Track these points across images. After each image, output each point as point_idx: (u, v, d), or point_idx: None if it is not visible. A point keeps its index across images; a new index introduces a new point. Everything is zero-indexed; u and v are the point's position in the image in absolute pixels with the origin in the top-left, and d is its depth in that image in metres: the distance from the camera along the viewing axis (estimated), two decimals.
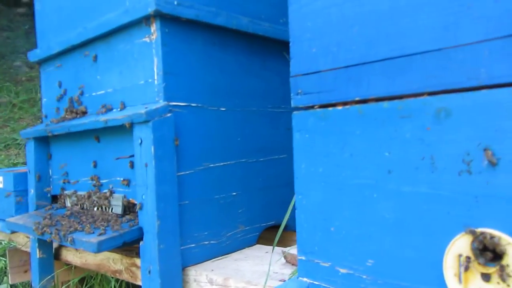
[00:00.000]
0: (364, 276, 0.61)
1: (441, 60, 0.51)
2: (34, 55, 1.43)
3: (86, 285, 1.68)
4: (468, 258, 0.48)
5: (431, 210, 0.53)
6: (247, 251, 1.15)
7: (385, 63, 0.58)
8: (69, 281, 1.51)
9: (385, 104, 0.58)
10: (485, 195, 0.48)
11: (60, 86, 1.34)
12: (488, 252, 0.47)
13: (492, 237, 0.46)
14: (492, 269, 0.46)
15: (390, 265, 0.58)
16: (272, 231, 1.41)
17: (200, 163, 1.07)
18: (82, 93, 1.25)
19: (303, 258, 0.71)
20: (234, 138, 1.16)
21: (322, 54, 0.66)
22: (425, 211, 0.53)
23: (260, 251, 1.15)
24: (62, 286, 1.57)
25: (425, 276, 0.54)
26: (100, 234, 0.97)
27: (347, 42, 0.63)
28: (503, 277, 0.45)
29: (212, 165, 1.10)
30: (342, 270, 0.64)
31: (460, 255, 0.49)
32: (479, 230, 0.47)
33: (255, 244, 1.22)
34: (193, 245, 1.05)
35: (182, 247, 1.01)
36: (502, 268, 0.46)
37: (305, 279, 0.71)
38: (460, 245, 0.49)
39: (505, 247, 0.46)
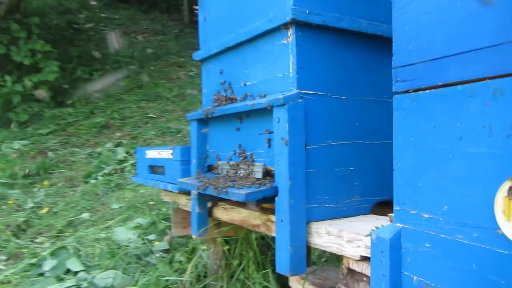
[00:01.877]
0: (441, 219, 0.81)
1: (498, 53, 0.69)
2: (197, 55, 1.83)
3: (229, 244, 2.07)
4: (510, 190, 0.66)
5: (488, 165, 0.71)
6: (360, 217, 1.38)
7: (459, 56, 0.77)
8: (217, 237, 1.90)
9: (459, 87, 0.77)
10: None
11: (216, 79, 1.71)
12: None
13: None
14: None
15: (458, 209, 0.77)
16: (384, 207, 1.60)
17: (323, 140, 1.33)
18: (233, 84, 1.60)
19: (398, 208, 0.92)
20: (353, 122, 1.39)
21: (416, 50, 0.87)
22: (484, 166, 0.72)
23: (372, 218, 1.36)
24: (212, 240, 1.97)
25: (483, 215, 0.72)
26: (242, 189, 1.29)
27: (434, 40, 0.83)
28: None
29: (333, 143, 1.35)
30: (425, 215, 0.85)
31: (505, 197, 0.67)
32: None
33: (368, 214, 1.43)
34: (315, 205, 1.31)
35: (307, 205, 1.28)
36: None
37: (398, 224, 0.92)
38: (506, 189, 0.67)
39: None
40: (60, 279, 2.39)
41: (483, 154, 0.72)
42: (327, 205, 1.33)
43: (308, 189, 1.29)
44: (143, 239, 2.83)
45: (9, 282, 2.46)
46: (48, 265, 2.55)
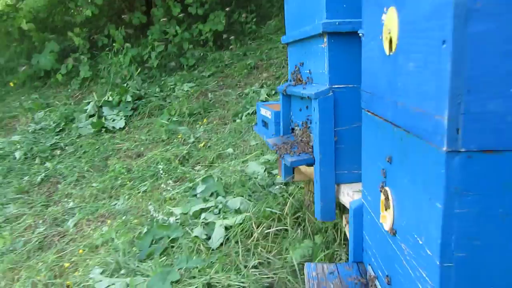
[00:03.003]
0: (372, 202, 1.21)
1: (379, 100, 1.04)
2: (283, 39, 2.27)
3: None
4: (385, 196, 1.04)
5: (380, 174, 1.09)
6: None
7: (372, 95, 1.11)
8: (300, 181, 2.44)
9: (376, 118, 1.12)
10: (392, 176, 1.02)
11: (293, 61, 2.14)
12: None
13: (385, 191, 1.02)
14: (385, 203, 1.02)
15: (375, 197, 1.16)
16: None
17: (353, 122, 1.70)
18: (301, 67, 2.02)
19: (362, 188, 1.33)
20: None
21: (366, 82, 1.22)
22: (379, 174, 1.09)
23: None
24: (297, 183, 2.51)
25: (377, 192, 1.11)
26: (293, 157, 1.78)
27: (368, 79, 1.17)
28: (386, 207, 1.02)
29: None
30: (369, 198, 1.25)
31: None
32: (384, 188, 1.03)
33: None
34: (345, 172, 1.73)
35: (336, 172, 1.71)
36: (387, 203, 1.01)
37: (362, 199, 1.33)
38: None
39: (389, 194, 1.01)
40: (205, 200, 3.26)
41: (379, 166, 1.09)
42: (356, 172, 1.74)
43: (337, 160, 1.71)
44: (268, 172, 3.52)
45: (174, 199, 3.45)
46: (199, 189, 3.45)
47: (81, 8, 6.77)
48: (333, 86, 1.66)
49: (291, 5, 2.15)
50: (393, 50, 0.92)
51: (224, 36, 6.88)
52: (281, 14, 7.52)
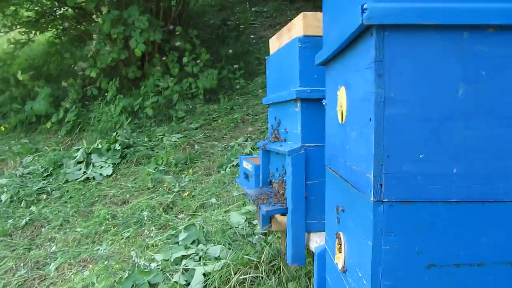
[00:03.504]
0: (330, 243, 1.40)
1: (337, 161, 1.26)
2: (264, 100, 2.53)
3: None
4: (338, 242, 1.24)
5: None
6: None
7: (332, 154, 1.34)
8: (277, 231, 2.61)
9: (331, 171, 1.34)
10: (344, 222, 1.22)
11: (272, 120, 2.39)
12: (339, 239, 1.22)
13: (339, 236, 1.22)
14: (339, 246, 1.22)
15: (331, 244, 1.35)
16: None
17: (322, 177, 1.92)
18: (278, 126, 2.27)
19: (325, 236, 1.52)
20: None
21: (328, 144, 1.44)
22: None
23: None
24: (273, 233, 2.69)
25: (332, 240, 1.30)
26: (268, 207, 1.98)
27: (330, 143, 1.39)
28: (339, 249, 1.21)
29: None
30: (329, 243, 1.44)
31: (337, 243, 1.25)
32: (338, 233, 1.23)
33: None
34: (315, 221, 1.93)
35: (307, 221, 1.91)
36: (340, 246, 1.21)
37: (325, 244, 1.52)
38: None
39: (342, 238, 1.20)
40: (187, 248, 3.38)
41: (335, 214, 1.30)
42: (324, 221, 1.93)
43: (308, 210, 1.91)
44: (249, 222, 3.68)
45: (156, 245, 3.56)
46: (181, 236, 3.57)
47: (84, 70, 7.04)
48: (305, 145, 1.90)
49: (272, 71, 2.43)
50: (344, 120, 1.16)
51: (214, 90, 7.22)
52: None
